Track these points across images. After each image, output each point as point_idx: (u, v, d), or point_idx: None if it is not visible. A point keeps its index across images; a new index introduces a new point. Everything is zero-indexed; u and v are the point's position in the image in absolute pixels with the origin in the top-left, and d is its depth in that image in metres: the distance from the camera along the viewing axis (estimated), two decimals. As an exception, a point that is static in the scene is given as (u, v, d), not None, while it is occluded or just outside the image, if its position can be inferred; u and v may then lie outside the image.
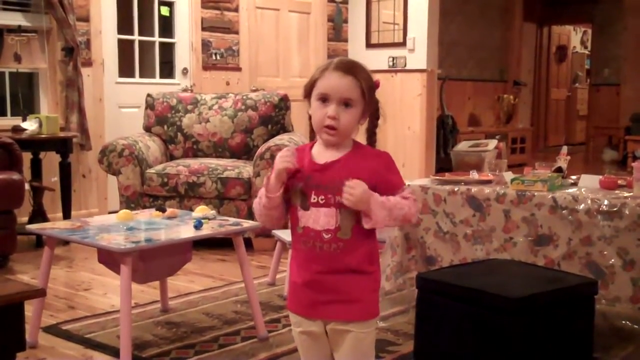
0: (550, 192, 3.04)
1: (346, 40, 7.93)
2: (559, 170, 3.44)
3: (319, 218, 1.76)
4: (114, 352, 2.89)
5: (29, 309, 2.75)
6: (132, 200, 4.82)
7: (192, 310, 3.50)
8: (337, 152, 1.80)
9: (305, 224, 1.78)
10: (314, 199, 1.77)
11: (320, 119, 1.76)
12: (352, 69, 1.78)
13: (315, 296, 1.79)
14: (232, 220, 3.27)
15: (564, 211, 2.96)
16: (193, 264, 3.80)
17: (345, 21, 7.92)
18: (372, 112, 1.83)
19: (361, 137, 1.85)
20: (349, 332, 1.80)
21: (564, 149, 3.64)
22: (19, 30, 5.20)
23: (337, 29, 7.83)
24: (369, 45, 7.77)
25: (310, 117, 1.83)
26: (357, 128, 1.82)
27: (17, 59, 5.06)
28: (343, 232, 1.75)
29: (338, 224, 1.75)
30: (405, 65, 7.47)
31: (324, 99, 1.76)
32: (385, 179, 1.78)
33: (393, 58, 7.54)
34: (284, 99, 5.35)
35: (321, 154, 1.81)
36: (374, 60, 7.42)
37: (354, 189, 1.68)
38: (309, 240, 1.78)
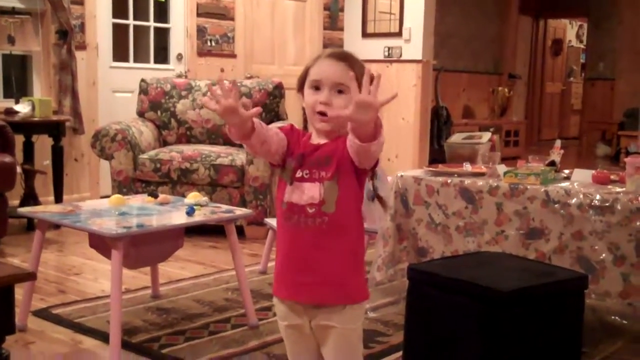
0: (542, 186, 3.04)
1: (342, 29, 7.90)
2: (552, 164, 3.44)
3: (302, 192, 1.74)
4: (104, 337, 2.89)
5: (19, 292, 2.74)
6: (124, 185, 4.80)
7: (183, 297, 3.50)
8: (331, 136, 1.77)
9: (289, 199, 1.75)
10: (299, 173, 1.75)
11: (312, 104, 1.74)
12: (345, 56, 1.76)
13: (299, 277, 1.75)
14: (224, 207, 3.27)
15: (556, 205, 2.96)
16: (184, 251, 3.79)
17: (342, 10, 7.89)
18: None
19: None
20: (333, 327, 1.76)
21: (558, 142, 3.64)
22: (12, 12, 5.17)
23: (333, 18, 7.81)
24: (365, 34, 7.75)
25: (304, 111, 1.80)
26: None
27: (11, 40, 5.02)
28: (327, 206, 1.72)
29: (322, 198, 1.72)
30: (400, 56, 7.46)
31: (317, 87, 1.74)
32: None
33: (389, 48, 7.52)
34: (279, 87, 5.34)
35: (317, 137, 1.80)
36: (370, 49, 7.41)
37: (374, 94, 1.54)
38: (293, 216, 1.74)
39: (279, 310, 1.86)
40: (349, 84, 1.67)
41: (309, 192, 1.73)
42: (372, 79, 1.55)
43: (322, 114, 1.73)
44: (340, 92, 1.73)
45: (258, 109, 1.65)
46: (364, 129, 1.57)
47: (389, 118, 7.35)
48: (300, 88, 1.80)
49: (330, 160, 1.73)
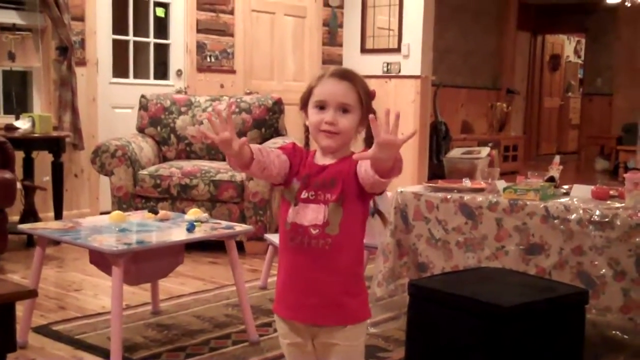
0: (542, 202, 3.05)
1: (341, 45, 7.93)
2: (551, 179, 3.45)
3: (306, 214, 1.75)
4: (104, 353, 2.88)
5: (20, 308, 2.74)
6: (124, 201, 4.80)
7: (183, 313, 3.49)
8: (336, 156, 1.79)
9: (292, 220, 1.76)
10: (304, 194, 1.76)
11: (317, 123, 1.76)
12: (348, 75, 1.78)
13: (301, 298, 1.77)
14: (224, 223, 3.27)
15: (555, 221, 2.97)
16: (184, 267, 3.79)
17: (341, 26, 7.92)
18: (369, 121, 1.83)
19: (358, 148, 1.83)
20: (336, 345, 1.77)
21: (557, 158, 3.66)
22: (13, 28, 5.19)
23: (332, 34, 7.84)
24: (364, 50, 7.78)
25: (306, 129, 1.83)
26: (355, 137, 1.80)
27: (11, 57, 5.05)
28: (331, 228, 1.73)
29: (326, 219, 1.73)
30: (399, 71, 7.49)
31: (322, 106, 1.76)
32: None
33: (387, 64, 7.55)
34: (278, 103, 5.35)
35: (321, 158, 1.81)
36: (368, 65, 7.43)
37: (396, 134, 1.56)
38: (297, 237, 1.75)
39: (280, 328, 1.86)
40: (354, 103, 1.75)
41: (314, 214, 1.74)
42: (389, 114, 1.56)
43: (328, 132, 1.75)
44: (345, 111, 1.75)
45: (244, 140, 1.65)
46: (385, 165, 1.60)
47: (388, 133, 7.35)
48: (304, 106, 1.81)
49: (335, 182, 1.74)
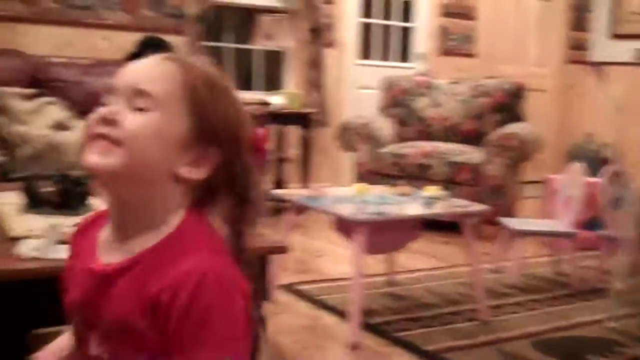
0: None
1: (587, 31, 7.58)
2: None
3: None
4: (342, 315, 3.08)
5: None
6: (364, 178, 4.99)
7: (417, 287, 3.61)
8: (134, 240, 0.95)
9: None
10: (94, 349, 0.97)
11: (88, 127, 0.94)
12: (181, 57, 0.98)
13: None
14: (463, 202, 3.33)
15: None
16: (418, 244, 3.88)
17: (589, 9, 7.56)
18: (232, 174, 1.01)
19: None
20: None
21: None
22: (271, 10, 5.59)
23: (580, 17, 7.51)
24: (613, 35, 7.37)
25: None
26: (177, 188, 0.97)
27: (268, 37, 5.45)
28: None
29: None
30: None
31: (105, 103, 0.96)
32: (183, 332, 0.89)
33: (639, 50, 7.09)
34: (519, 88, 5.28)
35: (109, 242, 0.99)
36: (617, 52, 7.04)
37: None
38: None
39: None
40: (163, 96, 0.93)
41: None
42: None
43: (99, 138, 0.92)
44: (139, 109, 0.93)
45: None
46: None
47: (638, 125, 6.94)
48: None
49: (131, 325, 0.91)
